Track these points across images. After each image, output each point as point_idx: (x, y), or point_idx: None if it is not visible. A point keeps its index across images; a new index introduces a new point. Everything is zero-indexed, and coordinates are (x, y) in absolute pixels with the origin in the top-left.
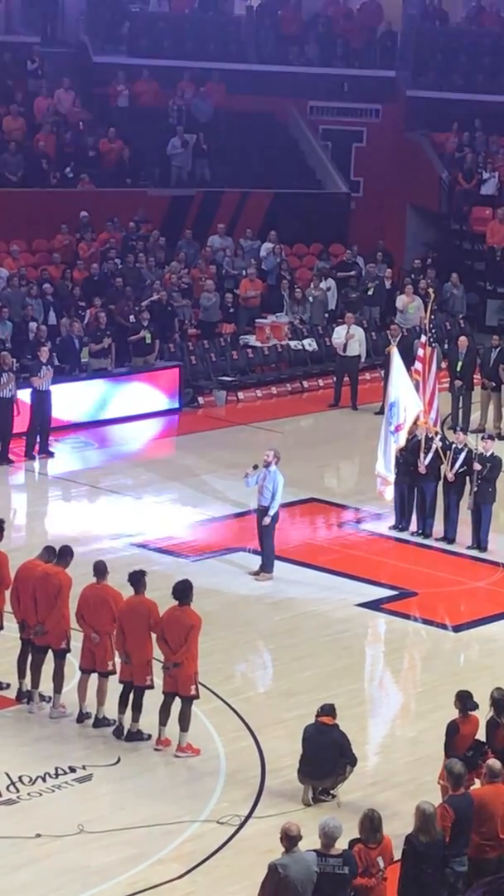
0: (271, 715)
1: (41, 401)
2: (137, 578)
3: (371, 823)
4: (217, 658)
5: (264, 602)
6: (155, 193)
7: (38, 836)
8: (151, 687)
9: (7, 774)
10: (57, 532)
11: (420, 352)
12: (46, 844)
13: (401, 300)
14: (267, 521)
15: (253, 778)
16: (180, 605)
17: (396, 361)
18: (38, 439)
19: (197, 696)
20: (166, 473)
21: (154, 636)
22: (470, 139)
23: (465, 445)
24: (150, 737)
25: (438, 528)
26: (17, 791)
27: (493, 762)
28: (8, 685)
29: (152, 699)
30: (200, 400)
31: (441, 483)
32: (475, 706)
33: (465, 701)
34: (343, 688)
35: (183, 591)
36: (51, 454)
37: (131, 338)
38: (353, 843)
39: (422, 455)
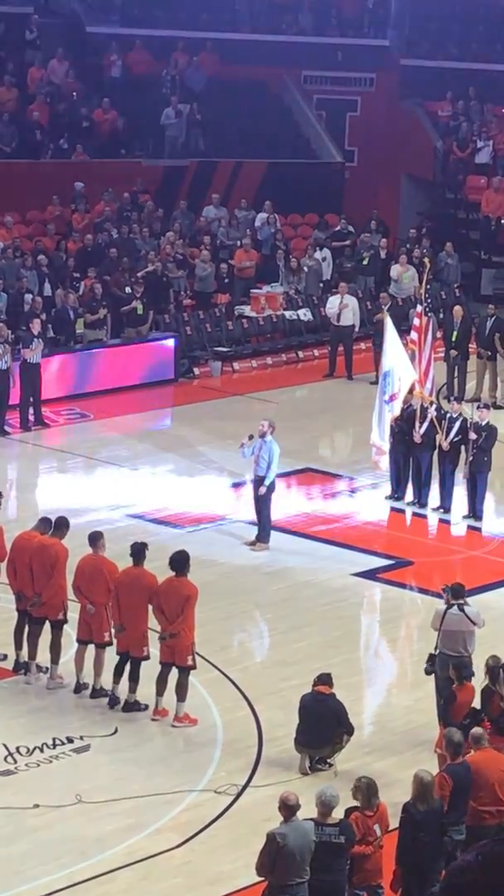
0: (268, 684)
1: (30, 373)
2: (139, 550)
3: (367, 790)
4: (214, 628)
5: (261, 572)
6: (149, 164)
7: (37, 806)
8: (148, 658)
9: (5, 745)
10: (53, 503)
11: (416, 321)
12: (44, 815)
13: (395, 269)
14: (262, 490)
15: (250, 747)
16: (177, 575)
17: (390, 330)
18: (31, 411)
19: (194, 667)
20: (162, 444)
21: (151, 607)
22: (464, 108)
23: (461, 415)
24: (147, 707)
25: (434, 497)
26: (15, 762)
27: (475, 730)
28: (5, 656)
29: (149, 670)
30: (196, 371)
31: (436, 452)
32: (471, 674)
33: (460, 669)
34: (340, 657)
35: (179, 561)
36: (46, 425)
37: (123, 308)
38: (349, 811)
39: (417, 424)
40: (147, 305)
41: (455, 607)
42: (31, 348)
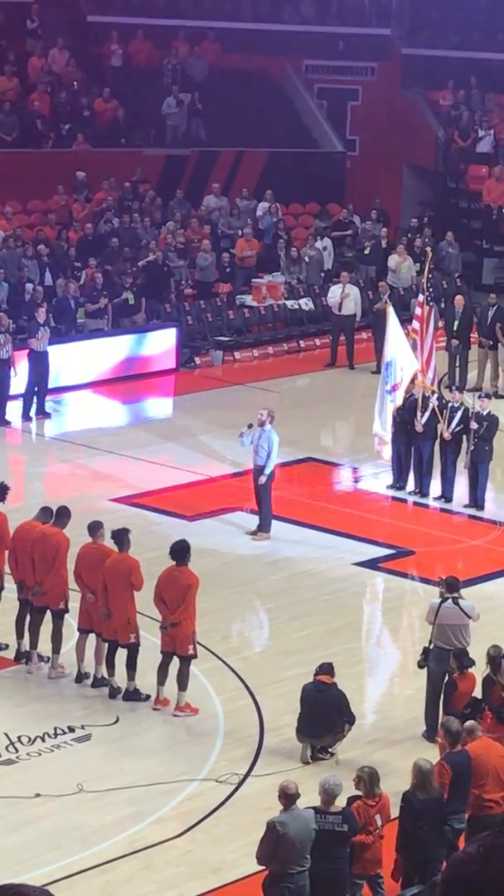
0: (269, 674)
1: (39, 362)
2: (121, 536)
3: (370, 780)
4: (215, 617)
5: (262, 561)
6: (150, 153)
7: (38, 795)
8: (137, 644)
9: (6, 735)
10: (54, 493)
11: (417, 311)
12: (46, 804)
13: (393, 259)
14: (262, 479)
15: (251, 737)
16: (178, 565)
17: (393, 320)
18: (35, 400)
19: (195, 656)
20: (163, 433)
21: (136, 595)
22: (466, 97)
23: (462, 404)
24: (148, 696)
25: (436, 486)
26: (17, 751)
27: (469, 722)
28: (6, 646)
29: (150, 659)
30: (197, 360)
31: (438, 442)
32: (472, 663)
33: (461, 658)
34: (341, 646)
35: (180, 550)
36: (48, 415)
37: (115, 300)
38: (351, 799)
39: (419, 414)
40: (141, 294)
41: (449, 601)
42: (37, 337)
